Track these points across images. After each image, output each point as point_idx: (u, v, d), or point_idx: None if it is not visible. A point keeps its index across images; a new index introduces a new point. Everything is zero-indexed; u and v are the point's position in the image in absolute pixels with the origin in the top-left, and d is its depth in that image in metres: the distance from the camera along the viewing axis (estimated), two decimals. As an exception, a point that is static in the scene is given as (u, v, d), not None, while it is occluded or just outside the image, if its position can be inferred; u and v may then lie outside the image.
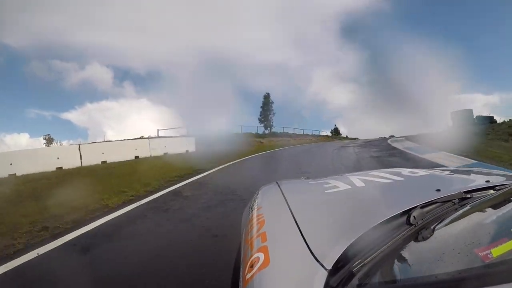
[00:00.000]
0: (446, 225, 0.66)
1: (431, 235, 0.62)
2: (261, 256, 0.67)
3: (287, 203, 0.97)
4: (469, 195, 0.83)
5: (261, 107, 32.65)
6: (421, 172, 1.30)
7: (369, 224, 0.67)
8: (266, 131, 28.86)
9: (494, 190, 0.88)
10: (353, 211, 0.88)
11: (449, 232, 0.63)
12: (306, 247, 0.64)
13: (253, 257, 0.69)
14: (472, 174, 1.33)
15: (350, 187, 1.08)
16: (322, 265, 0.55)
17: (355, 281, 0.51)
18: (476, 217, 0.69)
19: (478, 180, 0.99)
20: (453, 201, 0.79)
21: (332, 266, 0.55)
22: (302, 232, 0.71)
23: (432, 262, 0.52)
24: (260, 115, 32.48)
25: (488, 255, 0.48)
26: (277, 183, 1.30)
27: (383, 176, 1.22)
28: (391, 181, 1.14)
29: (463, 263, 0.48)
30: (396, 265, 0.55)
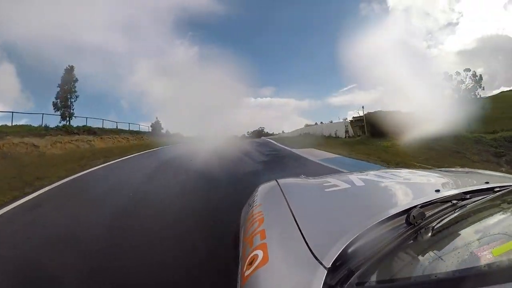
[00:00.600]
0: (445, 225, 0.66)
1: (430, 235, 0.63)
2: (260, 253, 0.67)
3: (286, 201, 0.97)
4: (468, 196, 0.83)
5: (59, 85, 20.48)
6: (420, 172, 1.30)
7: (369, 223, 0.67)
8: (61, 124, 16.35)
9: (493, 192, 0.89)
10: (352, 210, 0.88)
11: (448, 232, 0.63)
12: (305, 245, 0.64)
13: (252, 255, 0.69)
14: (471, 175, 1.33)
15: (349, 186, 1.08)
16: (321, 263, 0.55)
17: (354, 279, 0.51)
18: (475, 217, 0.69)
19: (478, 182, 1.00)
20: (452, 201, 0.79)
21: (331, 264, 0.55)
22: (301, 230, 0.71)
23: (431, 262, 0.52)
24: (56, 98, 20.28)
25: (487, 255, 0.48)
26: (276, 181, 1.30)
27: (383, 175, 1.22)
28: (391, 180, 1.14)
29: (462, 263, 0.48)
30: (395, 264, 0.55)
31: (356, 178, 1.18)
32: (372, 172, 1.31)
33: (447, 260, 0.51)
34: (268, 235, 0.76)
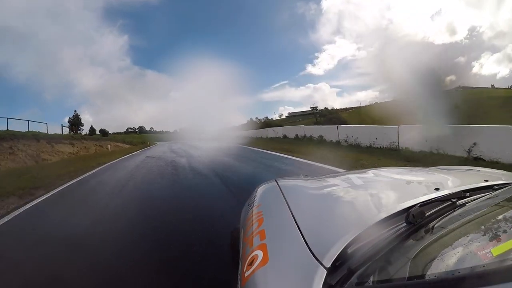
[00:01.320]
0: (445, 223, 0.66)
1: (430, 234, 0.62)
2: (260, 253, 0.67)
3: (286, 201, 0.97)
4: (468, 194, 0.83)
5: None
6: (420, 171, 1.30)
7: (368, 222, 0.67)
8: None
9: (492, 190, 0.89)
10: (352, 209, 0.87)
11: (448, 231, 0.63)
12: (305, 245, 0.64)
13: (252, 255, 0.69)
14: (471, 173, 1.33)
15: (349, 185, 1.08)
16: (321, 263, 0.55)
17: (354, 279, 0.51)
18: (475, 216, 0.69)
19: (477, 180, 0.99)
20: (452, 200, 0.79)
21: (331, 264, 0.55)
22: (301, 230, 0.71)
23: (431, 261, 0.52)
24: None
25: (487, 254, 0.48)
26: (275, 180, 1.29)
27: (382, 174, 1.22)
28: (390, 179, 1.14)
29: (462, 262, 0.48)
30: (395, 263, 0.55)
31: (356, 177, 1.18)
32: (371, 171, 1.31)
33: (447, 259, 0.51)
34: (267, 236, 0.75)
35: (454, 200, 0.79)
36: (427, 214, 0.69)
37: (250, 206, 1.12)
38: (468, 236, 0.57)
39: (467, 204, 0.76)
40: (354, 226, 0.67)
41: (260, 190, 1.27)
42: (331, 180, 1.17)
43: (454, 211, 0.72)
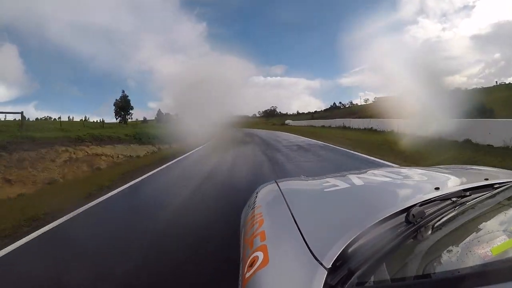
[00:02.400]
0: (445, 223, 0.66)
1: (430, 233, 0.62)
2: (260, 255, 0.67)
3: (286, 202, 0.97)
4: (468, 193, 0.83)
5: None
6: (420, 170, 1.30)
7: (369, 222, 0.67)
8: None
9: (493, 189, 0.89)
10: (352, 209, 0.87)
11: (448, 230, 0.63)
12: (305, 245, 0.64)
13: (252, 256, 0.69)
14: (471, 172, 1.33)
15: (349, 185, 1.08)
16: (321, 264, 0.55)
17: (354, 279, 0.51)
18: (475, 215, 0.69)
19: (477, 179, 0.99)
20: (452, 199, 0.79)
21: (331, 265, 0.55)
22: (301, 231, 0.71)
23: (431, 260, 0.52)
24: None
25: (487, 253, 0.48)
26: (275, 181, 1.29)
27: (382, 174, 1.22)
28: (390, 179, 1.14)
29: (462, 261, 0.48)
30: (395, 263, 0.55)
31: (356, 177, 1.18)
32: (371, 171, 1.31)
33: (447, 258, 0.51)
34: (268, 237, 0.75)
35: (455, 199, 0.79)
36: (427, 214, 0.69)
37: (250, 207, 1.12)
38: (468, 235, 0.57)
39: (467, 203, 0.76)
40: (354, 226, 0.67)
41: (260, 191, 1.27)
42: (331, 181, 1.17)
43: (454, 210, 0.72)
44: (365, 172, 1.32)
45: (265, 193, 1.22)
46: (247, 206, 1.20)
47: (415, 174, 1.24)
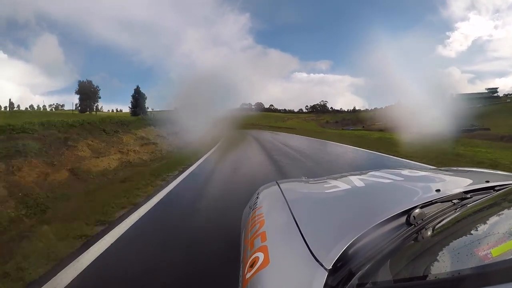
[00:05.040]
0: (446, 225, 0.66)
1: (430, 235, 0.62)
2: (261, 255, 0.67)
3: (287, 202, 0.97)
4: (469, 195, 0.83)
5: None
6: (421, 172, 1.30)
7: (369, 224, 0.67)
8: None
9: (493, 190, 0.88)
10: (353, 211, 0.88)
11: (449, 232, 0.63)
12: (306, 246, 0.64)
13: (253, 257, 0.69)
14: (472, 174, 1.33)
15: (350, 187, 1.08)
16: (322, 265, 0.56)
17: (354, 280, 0.51)
18: (475, 217, 0.69)
19: (478, 181, 0.99)
20: (453, 201, 0.79)
21: (332, 266, 0.55)
22: (302, 232, 0.71)
23: (431, 262, 0.52)
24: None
25: (488, 255, 0.48)
26: (276, 182, 1.30)
27: (383, 176, 1.22)
28: (391, 181, 1.14)
29: (463, 263, 0.48)
30: (396, 265, 0.55)
31: (356, 179, 1.18)
32: (372, 173, 1.31)
33: (447, 260, 0.51)
34: (268, 237, 0.76)
35: (455, 201, 0.79)
36: (428, 215, 0.69)
37: (251, 208, 1.12)
38: (468, 237, 0.57)
39: (468, 205, 0.76)
40: (354, 227, 0.67)
41: (261, 192, 1.27)
42: (332, 182, 1.17)
43: (455, 212, 0.72)
44: (366, 173, 1.32)
45: (266, 194, 1.23)
46: (247, 206, 1.21)
47: (416, 175, 1.24)
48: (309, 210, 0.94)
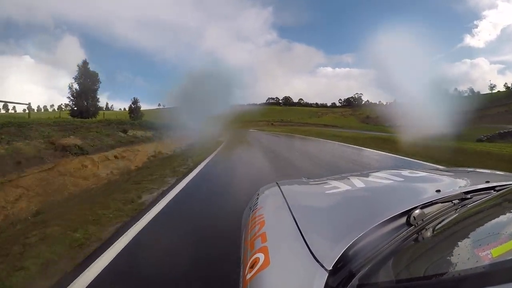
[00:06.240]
0: (446, 225, 0.66)
1: (431, 236, 0.62)
2: (261, 256, 0.67)
3: (287, 203, 0.97)
4: (469, 196, 0.83)
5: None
6: (421, 172, 1.30)
7: (369, 224, 0.67)
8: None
9: (494, 191, 0.88)
10: (353, 211, 0.88)
11: (449, 233, 0.63)
12: (306, 247, 0.64)
13: (253, 258, 0.69)
14: (472, 174, 1.33)
15: (350, 187, 1.08)
16: (322, 266, 0.55)
17: (355, 281, 0.51)
18: (476, 217, 0.69)
19: (478, 181, 0.99)
20: (453, 201, 0.79)
21: (332, 267, 0.55)
22: (302, 233, 0.71)
23: (432, 263, 0.52)
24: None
25: (488, 255, 0.48)
26: (277, 183, 1.30)
27: (383, 176, 1.22)
28: (391, 181, 1.14)
29: (463, 263, 0.48)
30: (396, 265, 0.55)
31: (357, 179, 1.18)
32: (372, 173, 1.31)
33: (448, 260, 0.51)
34: (269, 238, 0.75)
35: (455, 202, 0.79)
36: (428, 216, 0.69)
37: (251, 209, 1.12)
38: (469, 237, 0.57)
39: (468, 206, 0.76)
40: (355, 228, 0.67)
41: (262, 193, 1.27)
42: (332, 183, 1.17)
43: (456, 212, 0.72)
44: (366, 174, 1.32)
45: (266, 195, 1.23)
46: (248, 207, 1.21)
47: (416, 176, 1.24)
48: (309, 210, 0.94)
